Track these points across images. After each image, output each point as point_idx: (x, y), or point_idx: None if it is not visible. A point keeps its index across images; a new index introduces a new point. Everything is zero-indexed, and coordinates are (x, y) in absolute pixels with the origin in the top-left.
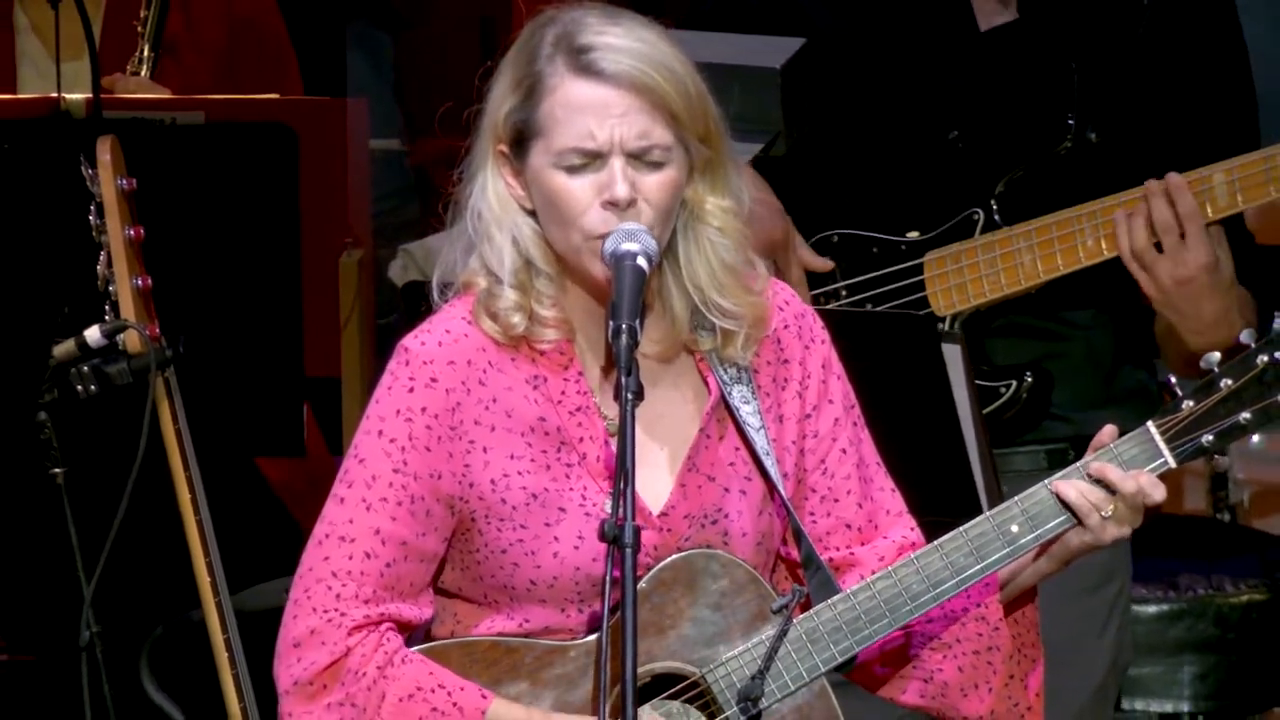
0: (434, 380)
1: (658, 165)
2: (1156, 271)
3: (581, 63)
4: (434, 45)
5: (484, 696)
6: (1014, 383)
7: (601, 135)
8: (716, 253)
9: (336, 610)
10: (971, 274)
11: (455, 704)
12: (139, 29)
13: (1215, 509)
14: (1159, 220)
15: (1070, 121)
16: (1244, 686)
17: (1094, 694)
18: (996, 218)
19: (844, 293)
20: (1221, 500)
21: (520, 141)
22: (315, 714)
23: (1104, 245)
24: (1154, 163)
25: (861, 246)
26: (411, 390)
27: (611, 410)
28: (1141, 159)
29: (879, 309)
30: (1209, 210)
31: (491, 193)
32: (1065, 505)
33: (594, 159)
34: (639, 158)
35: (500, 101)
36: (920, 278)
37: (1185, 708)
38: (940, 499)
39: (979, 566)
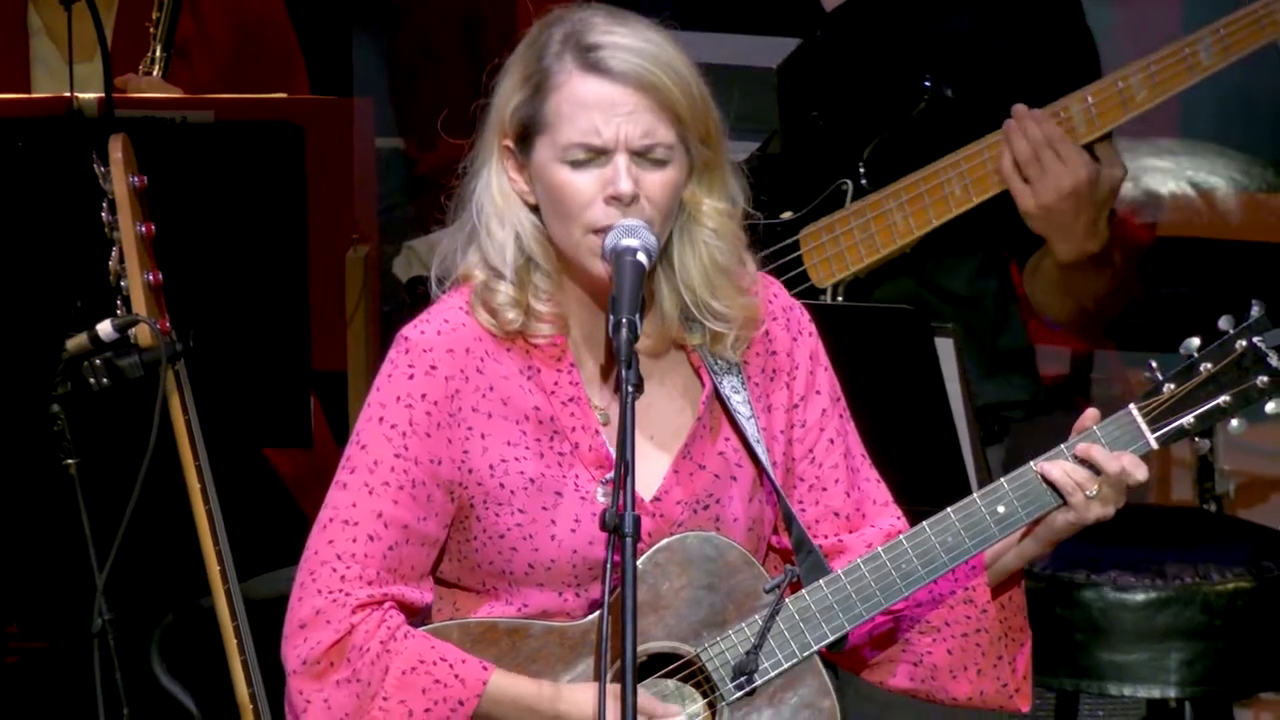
0: (433, 368)
1: (660, 164)
2: (1040, 188)
3: (590, 60)
4: (425, 46)
5: (485, 668)
6: None
7: (607, 132)
8: (710, 254)
9: (341, 590)
10: (847, 241)
11: (457, 675)
12: (151, 30)
13: (1202, 499)
14: (1020, 153)
15: (927, 83)
16: (1230, 672)
17: None
18: (865, 184)
19: None
20: (1208, 491)
21: (525, 136)
22: (325, 691)
23: (972, 191)
24: (1008, 109)
25: None
26: (411, 377)
27: (602, 401)
28: (998, 107)
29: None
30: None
31: (495, 187)
32: (1050, 485)
33: (599, 155)
34: (643, 155)
35: (507, 97)
36: (798, 253)
37: (1172, 693)
38: (933, 490)
39: (968, 545)
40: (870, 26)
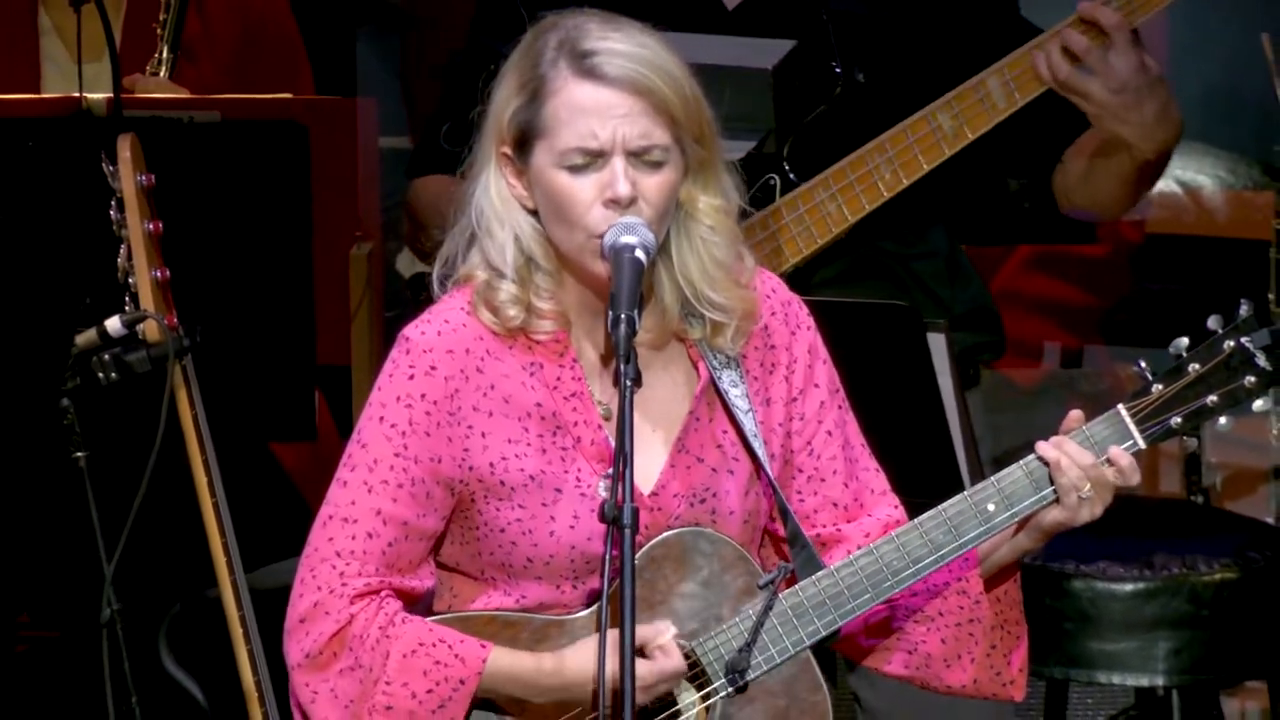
0: (433, 368)
1: (657, 165)
2: (1091, 90)
3: (585, 66)
4: (440, 47)
5: (483, 646)
6: None
7: (604, 135)
8: (708, 249)
9: (340, 585)
10: (783, 235)
11: (457, 655)
12: (158, 31)
13: (1189, 492)
14: (1077, 48)
15: (838, 70)
16: (1217, 661)
17: None
18: (792, 177)
19: None
20: (1195, 483)
21: (523, 142)
22: (330, 681)
23: (901, 175)
24: (926, 87)
25: None
26: (412, 378)
27: (604, 396)
28: (913, 86)
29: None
30: (991, 115)
31: (494, 192)
32: (1048, 482)
33: (596, 158)
34: (639, 157)
35: (504, 104)
36: None
37: (1160, 682)
38: (925, 481)
39: (957, 543)
40: (771, 21)
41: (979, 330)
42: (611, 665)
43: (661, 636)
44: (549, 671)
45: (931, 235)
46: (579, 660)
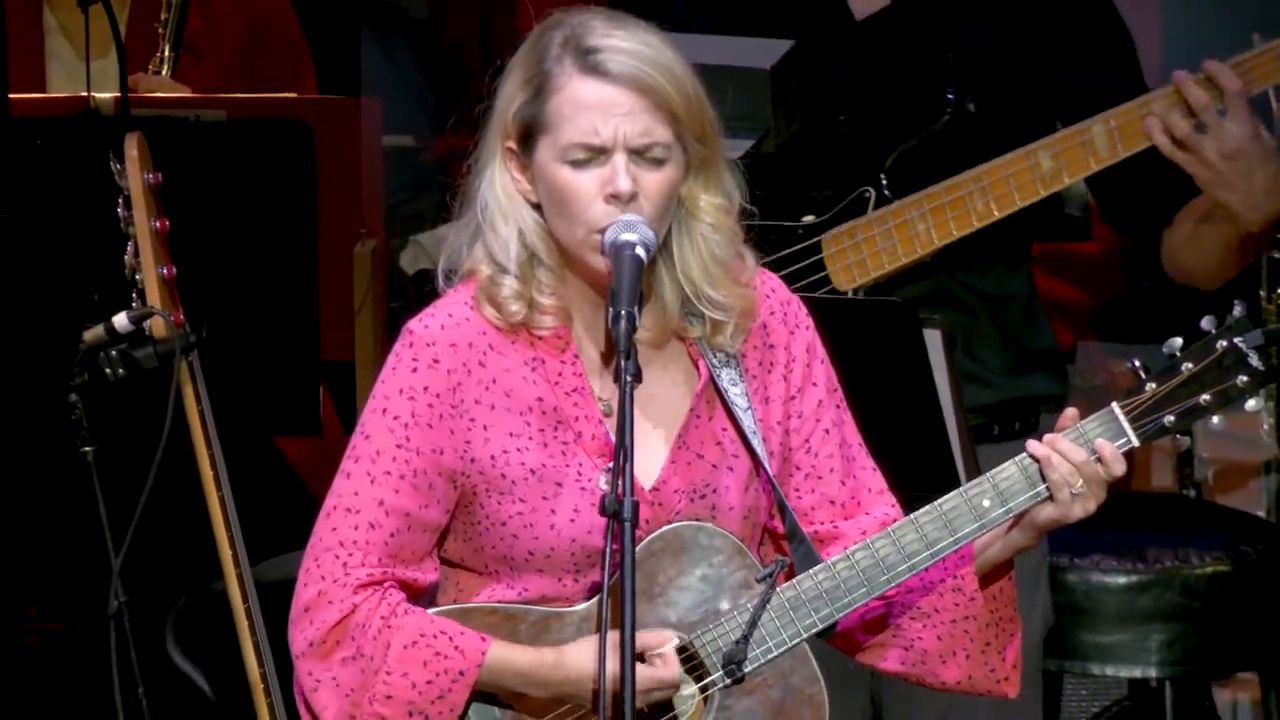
0: (436, 361)
1: (658, 162)
2: (1203, 152)
3: (589, 63)
4: (454, 45)
5: (483, 639)
6: None
7: (606, 132)
8: (709, 247)
9: (343, 574)
10: (869, 248)
11: (457, 647)
12: (160, 30)
13: (1182, 486)
14: (1196, 103)
15: (950, 96)
16: (1209, 653)
17: (1031, 648)
18: (887, 193)
19: None
20: (1188, 477)
21: (527, 137)
22: (332, 670)
23: (994, 206)
24: (1034, 126)
25: (762, 236)
26: (415, 370)
27: (605, 392)
28: (1022, 123)
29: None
30: (1091, 163)
31: (499, 186)
32: (1040, 477)
33: (598, 154)
34: (640, 154)
35: (509, 99)
36: (819, 256)
37: (1153, 673)
38: (922, 477)
39: (952, 539)
40: (897, 37)
41: (1049, 371)
42: (612, 662)
43: (663, 645)
44: (549, 666)
45: (1017, 278)
46: (579, 656)
